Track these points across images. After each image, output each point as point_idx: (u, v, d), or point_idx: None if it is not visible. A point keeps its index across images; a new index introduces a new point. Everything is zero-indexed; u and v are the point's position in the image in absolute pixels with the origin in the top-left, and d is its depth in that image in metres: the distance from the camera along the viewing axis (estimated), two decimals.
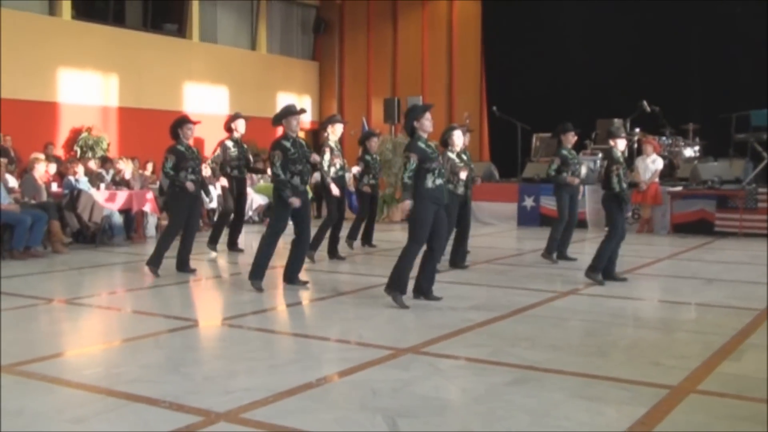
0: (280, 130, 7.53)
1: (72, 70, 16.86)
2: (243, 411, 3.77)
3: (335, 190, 9.24)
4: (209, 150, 14.57)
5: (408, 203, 6.37)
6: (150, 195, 11.88)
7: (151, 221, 12.27)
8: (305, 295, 7.21)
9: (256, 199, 14.68)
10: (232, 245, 10.48)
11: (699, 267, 9.13)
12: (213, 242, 10.35)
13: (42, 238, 9.85)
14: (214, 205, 13.70)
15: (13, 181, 11.49)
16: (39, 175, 10.88)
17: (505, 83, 18.74)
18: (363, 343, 5.22)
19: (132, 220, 11.68)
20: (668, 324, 6.00)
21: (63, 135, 16.69)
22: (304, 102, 21.69)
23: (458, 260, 8.81)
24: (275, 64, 21.91)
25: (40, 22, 16.39)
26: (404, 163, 6.47)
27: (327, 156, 9.23)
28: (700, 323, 6.14)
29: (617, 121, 13.91)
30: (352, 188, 11.81)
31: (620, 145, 7.93)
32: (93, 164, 12.84)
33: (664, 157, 13.57)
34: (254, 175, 14.67)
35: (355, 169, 10.20)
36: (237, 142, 10.20)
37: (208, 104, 19.34)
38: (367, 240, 10.84)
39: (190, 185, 8.35)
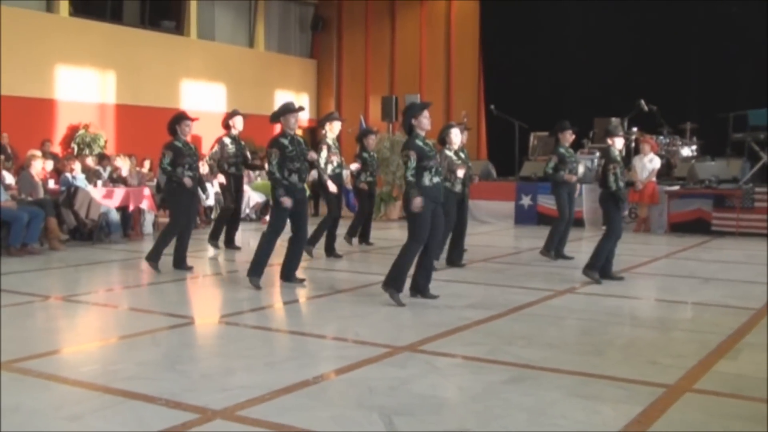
0: (277, 128, 7.53)
1: (69, 67, 16.84)
2: (240, 408, 3.77)
3: (332, 187, 9.24)
4: (206, 148, 14.56)
5: (419, 199, 6.36)
6: (147, 192, 11.86)
7: (149, 218, 12.25)
8: (302, 293, 7.21)
9: (253, 197, 14.68)
10: (229, 243, 10.48)
11: (696, 266, 9.14)
12: (214, 239, 10.35)
13: (39, 235, 9.83)
14: (211, 202, 13.69)
15: (10, 178, 11.47)
16: (36, 171, 10.86)
17: (502, 82, 18.74)
18: (360, 341, 5.22)
19: (129, 217, 11.67)
20: (665, 323, 6.01)
21: (60, 132, 16.67)
22: (302, 100, 21.67)
23: (455, 258, 8.81)
24: (273, 61, 21.89)
25: (38, 19, 16.36)
26: (404, 161, 6.45)
27: (324, 153, 9.23)
28: (696, 322, 6.15)
29: (615, 120, 13.92)
30: (349, 186, 11.82)
31: (618, 143, 7.93)
32: (90, 161, 12.83)
33: (661, 157, 13.58)
34: (251, 173, 14.68)
35: (354, 167, 10.20)
36: (235, 139, 10.21)
37: (205, 102, 19.32)
38: (364, 238, 10.84)
39: (188, 180, 8.35)
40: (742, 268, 8.93)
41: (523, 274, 8.39)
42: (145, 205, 11.79)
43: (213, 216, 14.03)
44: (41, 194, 10.60)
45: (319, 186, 9.79)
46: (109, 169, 12.87)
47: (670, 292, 7.47)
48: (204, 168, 11.63)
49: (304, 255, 8.18)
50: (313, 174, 9.28)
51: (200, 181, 8.86)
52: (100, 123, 17.20)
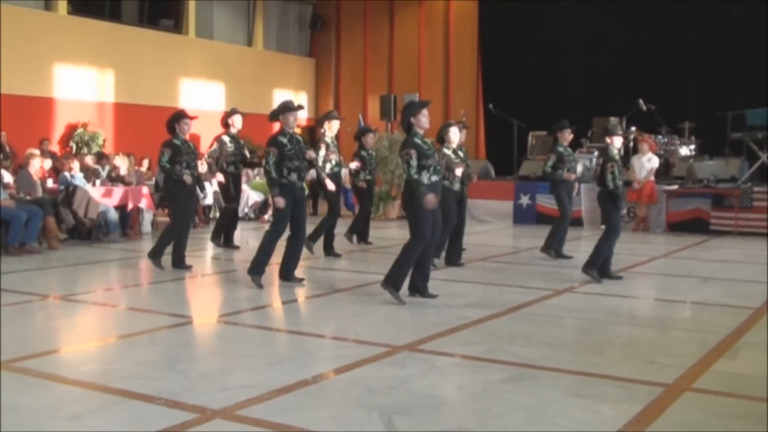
0: (277, 126, 7.52)
1: (68, 65, 16.82)
2: (239, 408, 3.77)
3: (330, 186, 9.24)
4: (205, 146, 14.54)
5: (431, 196, 6.37)
6: (146, 191, 11.85)
7: (147, 217, 12.24)
8: (301, 292, 7.21)
9: (251, 196, 14.67)
10: (228, 242, 10.47)
11: (694, 265, 9.15)
12: (217, 237, 10.34)
13: (37, 234, 9.82)
14: (209, 201, 13.68)
15: (8, 177, 11.45)
16: (34, 170, 10.85)
17: (501, 81, 18.75)
18: (359, 340, 5.22)
19: (128, 216, 11.65)
20: (664, 322, 6.01)
21: (58, 131, 16.65)
22: (301, 98, 21.65)
23: (454, 258, 8.80)
24: (272, 60, 21.89)
25: (36, 17, 16.34)
26: (406, 160, 6.43)
27: (322, 152, 9.23)
28: (695, 321, 6.15)
29: (614, 119, 13.92)
30: (348, 185, 11.81)
31: (616, 142, 7.94)
32: (89, 160, 12.81)
33: (659, 156, 13.58)
34: (250, 171, 14.67)
35: (353, 165, 10.20)
36: (234, 138, 10.20)
37: (204, 100, 19.30)
38: (362, 237, 10.84)
39: (187, 177, 8.36)
40: (740, 268, 8.94)
41: (522, 273, 8.39)
42: (143, 204, 11.78)
43: (211, 215, 14.03)
44: (40, 193, 10.58)
45: (317, 185, 9.81)
46: (107, 168, 12.86)
47: (669, 292, 7.48)
48: (203, 166, 11.62)
49: (305, 251, 8.19)
50: (312, 173, 9.29)
51: (198, 180, 8.86)
52: (99, 122, 17.18)
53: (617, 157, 7.77)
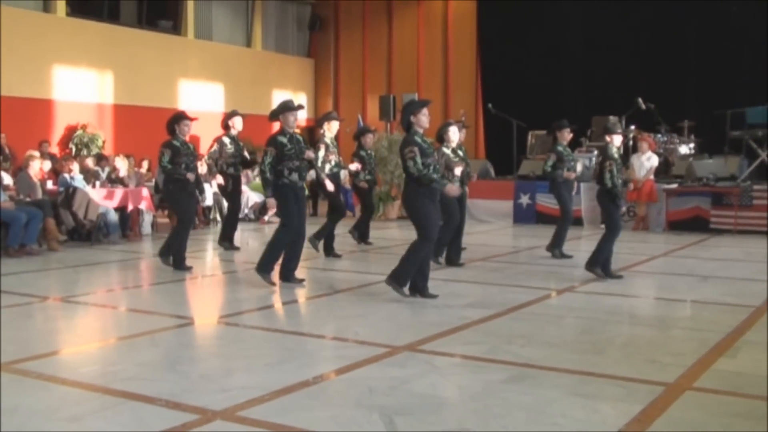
0: (276, 126, 7.52)
1: (67, 67, 16.83)
2: (239, 409, 3.77)
3: (330, 186, 9.24)
4: (204, 148, 14.54)
5: (453, 186, 6.76)
6: (146, 192, 11.85)
7: (147, 219, 12.24)
8: (301, 293, 7.21)
9: (251, 197, 14.67)
10: (227, 242, 10.46)
11: (694, 264, 9.15)
12: (224, 239, 10.32)
13: (37, 235, 9.82)
14: (209, 202, 13.69)
15: (8, 179, 11.45)
16: (34, 172, 10.85)
17: (500, 80, 18.76)
18: (359, 340, 5.22)
19: (128, 217, 11.65)
20: (664, 321, 6.01)
21: (58, 132, 16.65)
22: (300, 99, 21.64)
23: (454, 257, 8.80)
24: (270, 61, 21.89)
25: (35, 19, 16.35)
26: (411, 157, 6.42)
27: (321, 153, 9.23)
28: (695, 320, 6.15)
29: (613, 118, 13.90)
30: (348, 185, 11.82)
31: (616, 141, 7.95)
32: (90, 162, 12.81)
33: (659, 155, 13.58)
34: (250, 172, 14.67)
35: (353, 167, 10.21)
36: (234, 140, 10.21)
37: (203, 101, 19.30)
38: (363, 237, 10.85)
39: (191, 175, 8.38)
40: (740, 266, 8.94)
41: (522, 273, 8.39)
42: (143, 205, 11.78)
43: (211, 216, 14.03)
44: (39, 195, 10.59)
45: (317, 186, 9.81)
46: (107, 169, 12.86)
47: (669, 291, 7.48)
48: (202, 168, 11.62)
49: (310, 249, 8.18)
50: (311, 173, 9.29)
51: (198, 182, 8.86)
52: (98, 123, 17.19)
53: (616, 156, 7.78)
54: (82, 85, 17.09)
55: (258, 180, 15.03)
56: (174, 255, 8.48)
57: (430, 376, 4.34)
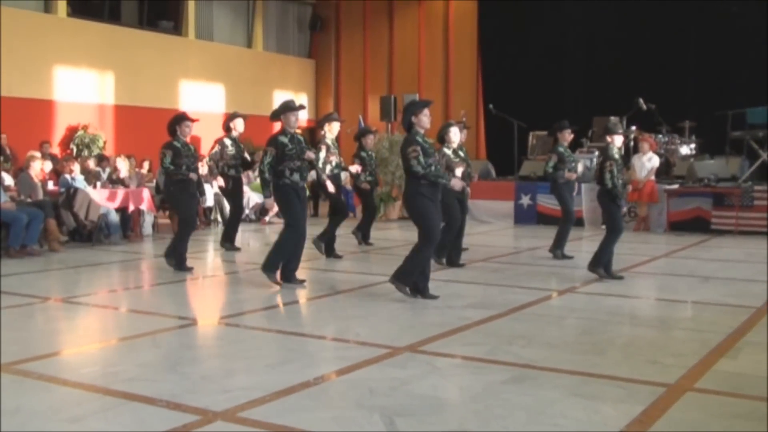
0: (277, 126, 7.52)
1: (68, 67, 16.84)
2: (240, 410, 3.77)
3: (331, 187, 9.25)
4: (205, 148, 14.55)
5: (456, 179, 6.86)
6: (146, 193, 11.86)
7: (148, 220, 12.24)
8: (302, 294, 7.21)
9: (252, 198, 14.68)
10: (229, 242, 10.46)
11: (695, 265, 9.14)
12: (226, 240, 10.32)
13: (38, 236, 9.83)
14: (210, 203, 13.69)
15: (9, 179, 11.46)
16: (35, 173, 10.86)
17: (501, 81, 18.76)
18: (360, 341, 5.22)
19: (129, 218, 11.65)
20: (665, 322, 6.01)
21: (59, 133, 16.66)
22: (301, 100, 21.62)
23: (454, 258, 8.80)
24: (271, 61, 21.90)
25: (36, 20, 16.36)
26: (414, 156, 6.42)
27: (322, 154, 9.23)
28: (696, 321, 6.15)
29: (614, 119, 13.91)
30: (349, 186, 11.83)
31: (617, 141, 7.95)
32: (92, 163, 12.82)
33: (660, 155, 13.58)
34: (251, 173, 14.69)
35: (354, 168, 10.22)
36: (235, 141, 10.22)
37: (204, 102, 19.31)
38: (364, 238, 10.85)
39: (193, 175, 8.39)
40: (741, 267, 8.94)
41: (523, 273, 8.39)
42: (144, 206, 11.78)
43: (212, 217, 14.03)
44: (40, 195, 10.60)
45: (318, 186, 9.82)
46: (108, 170, 12.86)
47: (670, 291, 7.47)
48: (203, 168, 11.63)
49: (311, 250, 8.18)
50: (312, 174, 9.30)
51: (199, 184, 8.86)
52: (99, 124, 17.20)
53: (617, 156, 7.78)
54: (83, 85, 17.10)
55: (258, 181, 15.04)
56: (175, 256, 8.48)
57: (430, 377, 4.35)
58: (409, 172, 6.57)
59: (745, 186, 12.30)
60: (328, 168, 9.31)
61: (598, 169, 7.88)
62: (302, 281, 7.53)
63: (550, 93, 17.61)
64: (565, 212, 9.43)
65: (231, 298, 7.18)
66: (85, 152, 15.90)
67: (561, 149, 9.40)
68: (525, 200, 14.30)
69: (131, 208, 11.54)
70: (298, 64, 22.82)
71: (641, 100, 13.98)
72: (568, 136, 9.53)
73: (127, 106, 17.82)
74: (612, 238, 7.73)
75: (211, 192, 13.17)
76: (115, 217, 11.28)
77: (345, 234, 10.46)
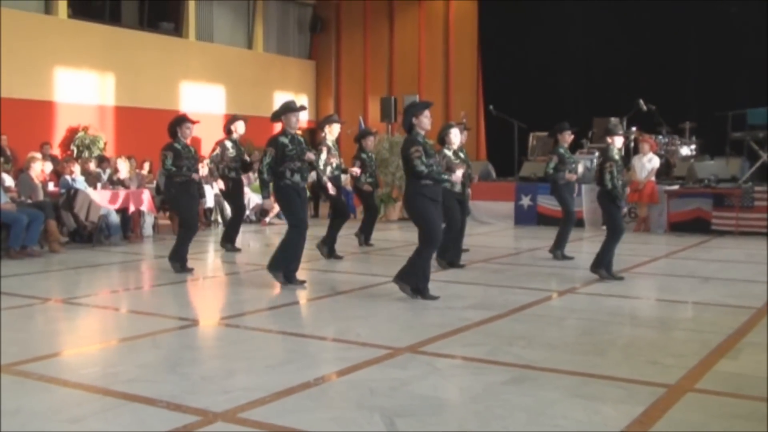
0: (278, 127, 7.52)
1: (68, 69, 16.85)
2: (241, 411, 3.77)
3: (332, 189, 9.25)
4: (205, 149, 14.55)
5: (456, 173, 7.05)
6: (147, 194, 11.86)
7: (149, 220, 12.25)
8: (303, 295, 7.21)
9: (253, 199, 14.68)
10: (229, 243, 10.46)
11: (696, 265, 9.14)
12: (227, 241, 10.33)
13: (39, 237, 9.83)
14: (210, 204, 13.69)
15: (9, 180, 11.47)
16: (35, 174, 10.86)
17: (501, 82, 18.76)
18: (361, 342, 5.22)
19: (129, 219, 11.66)
20: (665, 323, 6.01)
21: (59, 134, 16.67)
22: (301, 101, 21.58)
23: (455, 259, 8.80)
24: (272, 62, 21.90)
25: (37, 21, 16.37)
26: (417, 156, 6.43)
27: (323, 155, 9.24)
28: (697, 322, 6.15)
29: (614, 120, 13.92)
30: (349, 187, 11.83)
31: (617, 142, 7.95)
32: (93, 165, 12.83)
33: (660, 156, 13.58)
34: (251, 174, 14.70)
35: (354, 170, 10.22)
36: (235, 143, 10.23)
37: (204, 103, 19.32)
38: (365, 239, 10.85)
39: (195, 175, 8.39)
40: (741, 268, 8.93)
41: (523, 274, 8.39)
42: (145, 207, 11.78)
43: (213, 218, 14.03)
44: (41, 196, 10.60)
45: (318, 187, 9.82)
46: (108, 171, 12.87)
47: (670, 292, 7.47)
48: (204, 170, 11.64)
49: (312, 251, 8.18)
50: (312, 175, 9.30)
51: (199, 185, 8.87)
52: (100, 125, 17.20)
53: (616, 157, 7.79)
54: (83, 86, 17.11)
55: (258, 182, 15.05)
56: (178, 259, 8.47)
57: (431, 378, 4.35)
58: (409, 173, 6.58)
59: (745, 187, 12.30)
60: (329, 170, 9.31)
61: (598, 170, 7.89)
62: (303, 282, 7.54)
63: (551, 94, 17.62)
64: (566, 213, 9.45)
65: (231, 299, 7.19)
66: (86, 153, 15.90)
67: (561, 150, 9.41)
68: (525, 201, 14.31)
69: (131, 209, 11.55)
70: (299, 65, 22.83)
71: (641, 101, 13.99)
72: (568, 137, 9.54)
73: (128, 107, 17.83)
74: (613, 239, 7.74)
75: (211, 193, 13.18)
76: (115, 218, 11.28)
77: (346, 235, 10.46)
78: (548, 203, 13.41)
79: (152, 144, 12.78)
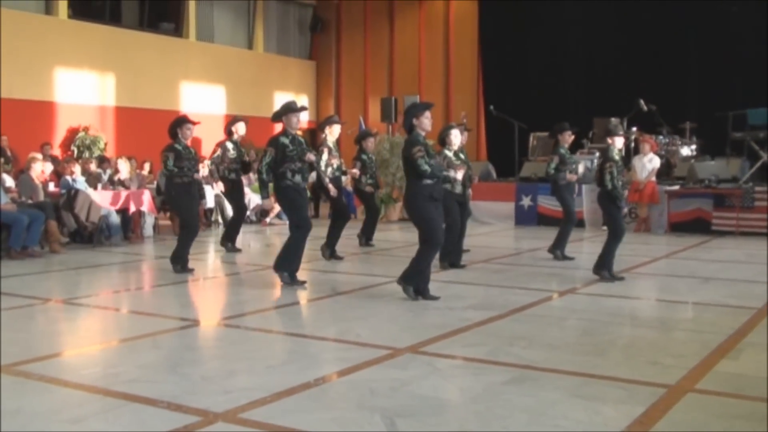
0: (278, 128, 7.52)
1: (69, 69, 16.85)
2: (241, 411, 3.77)
3: (332, 190, 9.25)
4: (205, 150, 14.55)
5: (458, 173, 7.10)
6: (147, 195, 11.86)
7: (149, 221, 12.25)
8: (303, 295, 7.21)
9: (253, 199, 14.68)
10: (230, 243, 10.47)
11: (696, 266, 9.14)
12: (227, 240, 10.33)
13: (39, 237, 9.83)
14: (210, 205, 13.69)
15: (10, 181, 11.47)
16: (36, 174, 10.86)
17: (502, 82, 18.76)
18: (361, 342, 5.22)
19: (129, 219, 11.66)
20: (666, 323, 6.01)
21: (60, 134, 16.67)
22: (301, 101, 21.58)
23: (455, 259, 8.80)
24: (272, 63, 21.91)
25: (37, 22, 16.37)
26: (420, 156, 6.42)
27: (324, 156, 9.24)
28: (697, 322, 6.15)
29: (614, 120, 13.93)
30: (349, 188, 11.83)
31: (618, 143, 7.95)
32: (94, 166, 12.83)
33: (661, 156, 13.58)
34: (252, 175, 14.70)
35: (354, 171, 10.22)
36: (236, 145, 10.23)
37: (204, 103, 19.32)
38: (366, 240, 10.86)
39: (197, 175, 8.39)
40: (742, 268, 8.93)
41: (524, 274, 8.39)
42: (145, 207, 11.79)
43: (213, 218, 14.03)
44: (41, 197, 10.60)
45: (319, 188, 9.82)
46: (109, 171, 12.87)
47: (671, 292, 7.47)
48: (204, 171, 11.63)
49: (313, 251, 8.17)
50: (313, 176, 9.31)
51: (199, 186, 8.87)
52: (100, 125, 17.21)
53: (617, 157, 7.79)
54: (83, 87, 17.11)
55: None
56: (180, 261, 8.47)
57: (431, 378, 4.35)
58: (410, 174, 6.58)
59: (745, 187, 12.29)
60: (330, 171, 9.31)
61: (598, 170, 7.89)
62: (303, 282, 7.54)
63: (551, 94, 17.62)
64: (567, 213, 9.45)
65: (232, 299, 7.19)
66: (86, 154, 15.90)
67: (562, 151, 9.41)
68: (526, 201, 14.31)
69: (132, 209, 11.55)
70: (299, 66, 22.83)
71: (642, 101, 13.99)
72: (568, 137, 9.54)
73: (128, 107, 17.83)
74: (614, 239, 7.74)
75: (211, 194, 13.17)
76: (115, 219, 11.29)
77: (347, 236, 10.45)
78: (549, 203, 13.41)
79: (153, 144, 12.79)
